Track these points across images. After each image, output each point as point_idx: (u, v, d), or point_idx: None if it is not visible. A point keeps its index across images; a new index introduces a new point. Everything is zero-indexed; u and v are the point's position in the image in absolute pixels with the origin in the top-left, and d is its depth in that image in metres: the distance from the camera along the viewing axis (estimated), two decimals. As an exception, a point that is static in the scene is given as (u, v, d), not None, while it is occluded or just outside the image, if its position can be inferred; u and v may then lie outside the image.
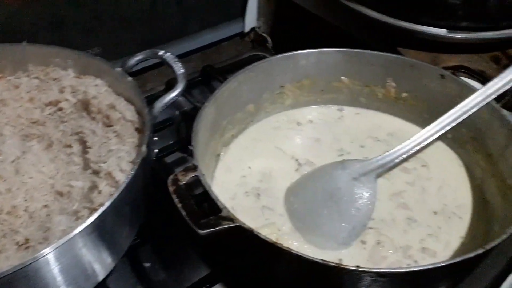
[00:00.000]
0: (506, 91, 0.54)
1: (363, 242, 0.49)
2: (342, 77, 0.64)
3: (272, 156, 0.59)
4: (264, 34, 0.95)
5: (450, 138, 0.59)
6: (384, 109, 0.65)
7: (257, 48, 0.95)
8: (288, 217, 0.51)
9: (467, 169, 0.57)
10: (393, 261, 0.47)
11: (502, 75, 0.54)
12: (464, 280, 0.49)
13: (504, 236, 0.39)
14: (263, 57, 0.85)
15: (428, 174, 0.56)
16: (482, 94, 0.53)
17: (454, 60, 0.71)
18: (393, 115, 0.65)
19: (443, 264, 0.36)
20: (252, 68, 0.58)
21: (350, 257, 0.48)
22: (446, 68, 0.65)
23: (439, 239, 0.49)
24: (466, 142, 0.57)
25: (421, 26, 0.70)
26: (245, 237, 0.40)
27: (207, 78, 0.80)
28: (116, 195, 0.42)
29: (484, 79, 0.64)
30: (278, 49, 0.99)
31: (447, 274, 0.41)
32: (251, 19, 0.94)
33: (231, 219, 0.39)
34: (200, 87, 0.79)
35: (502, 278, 0.54)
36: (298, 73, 0.63)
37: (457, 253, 0.48)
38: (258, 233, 0.39)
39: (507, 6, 0.66)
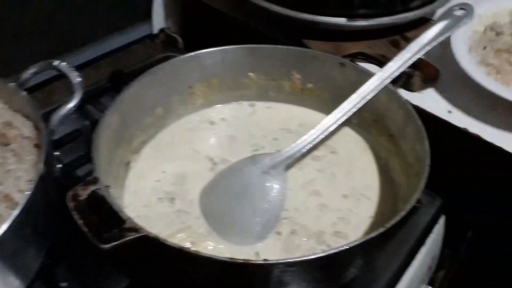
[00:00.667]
0: (402, 73, 0.57)
1: (279, 233, 0.50)
2: (249, 73, 0.65)
3: (186, 158, 0.59)
4: (174, 35, 0.94)
5: (355, 123, 0.61)
6: (293, 101, 0.66)
7: (168, 49, 0.94)
8: (204, 218, 0.51)
9: (373, 151, 0.59)
10: (307, 248, 0.48)
11: (396, 58, 0.57)
12: (375, 259, 0.51)
13: (403, 213, 0.41)
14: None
15: (337, 160, 0.58)
16: (379, 79, 0.56)
17: (356, 47, 0.74)
18: (302, 106, 0.66)
19: (344, 248, 0.37)
20: (155, 71, 0.57)
21: (267, 249, 0.48)
22: (346, 56, 0.67)
23: (350, 221, 0.51)
24: (369, 125, 0.60)
25: (322, 17, 0.72)
26: (153, 246, 0.39)
27: (116, 84, 0.78)
28: (12, 217, 0.40)
29: (383, 63, 0.67)
30: (190, 48, 0.98)
31: (353, 256, 0.43)
32: (159, 20, 0.92)
33: (136, 229, 0.39)
34: (110, 94, 0.77)
35: (415, 251, 0.57)
36: (205, 73, 0.62)
37: (367, 233, 0.50)
38: (165, 240, 0.38)
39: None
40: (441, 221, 0.62)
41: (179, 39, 0.94)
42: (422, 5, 0.74)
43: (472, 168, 0.63)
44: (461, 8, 0.59)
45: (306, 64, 0.63)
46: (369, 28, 0.72)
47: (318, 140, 0.54)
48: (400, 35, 0.76)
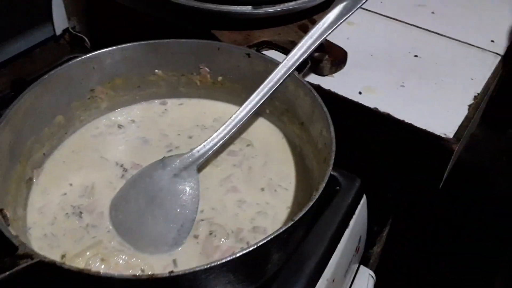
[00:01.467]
0: (310, 57, 0.57)
1: (196, 237, 0.48)
2: (156, 70, 0.62)
3: (94, 167, 0.55)
4: (79, 34, 0.88)
5: (268, 113, 0.60)
6: (206, 95, 0.64)
7: (75, 50, 0.88)
8: (115, 231, 0.48)
9: (288, 140, 0.59)
10: (226, 248, 0.47)
11: (299, 45, 0.56)
12: (299, 248, 0.51)
13: (310, 203, 0.41)
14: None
15: (254, 153, 0.57)
16: (283, 67, 0.55)
17: (265, 34, 0.73)
18: (215, 100, 0.64)
19: (253, 248, 0.36)
20: (49, 77, 0.53)
21: (185, 255, 0.47)
22: (252, 46, 0.66)
23: (268, 214, 0.50)
24: (281, 114, 0.59)
25: (227, 6, 0.70)
26: (51, 271, 0.36)
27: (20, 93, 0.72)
28: None
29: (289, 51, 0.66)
30: (99, 47, 0.94)
31: (271, 251, 0.42)
32: (61, 20, 0.86)
33: (29, 255, 0.35)
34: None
35: (340, 234, 0.58)
36: (106, 74, 0.59)
37: (285, 224, 0.49)
38: (62, 264, 0.35)
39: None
40: (363, 201, 0.62)
41: (86, 39, 0.88)
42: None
43: (385, 146, 0.65)
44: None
45: (213, 57, 0.61)
46: (276, 14, 0.71)
47: (229, 135, 0.53)
48: (308, 19, 0.76)
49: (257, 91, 0.54)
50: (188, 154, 0.51)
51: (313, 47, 0.56)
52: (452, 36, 0.77)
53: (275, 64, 0.56)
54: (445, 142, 0.59)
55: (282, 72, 0.54)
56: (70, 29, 0.88)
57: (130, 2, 0.81)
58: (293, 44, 0.71)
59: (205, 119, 0.62)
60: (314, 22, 0.74)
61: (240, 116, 0.53)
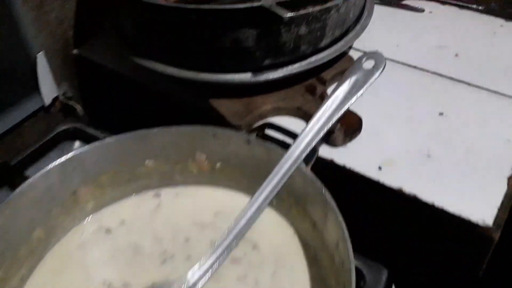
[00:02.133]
0: (314, 148, 0.49)
1: None
2: (146, 161, 0.55)
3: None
4: (70, 103, 0.82)
5: (275, 204, 0.53)
6: (204, 182, 0.57)
7: (68, 119, 0.82)
8: None
9: (299, 236, 0.51)
10: None
11: (304, 133, 0.48)
12: None
13: None
14: (77, 131, 0.75)
15: (260, 258, 0.49)
16: (287, 160, 0.47)
17: (268, 101, 0.65)
18: (215, 187, 0.57)
19: None
20: (19, 194, 0.47)
21: None
22: (254, 130, 0.58)
23: None
24: (290, 207, 0.51)
25: (223, 74, 0.63)
26: None
27: (5, 180, 0.66)
28: None
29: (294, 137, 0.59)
30: (93, 114, 0.88)
31: None
32: (49, 88, 0.80)
33: None
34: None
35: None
36: (89, 173, 0.52)
37: None
38: None
39: (300, 37, 0.61)
40: (391, 293, 0.54)
41: (78, 106, 0.82)
42: (333, 43, 0.66)
43: (412, 229, 0.56)
44: (370, 58, 0.51)
45: (209, 143, 0.54)
46: (277, 80, 0.64)
47: (230, 250, 0.45)
48: (315, 78, 0.68)
49: (255, 195, 0.47)
50: (179, 282, 0.44)
51: (320, 135, 0.48)
52: (480, 85, 0.68)
53: (278, 153, 0.49)
54: (484, 230, 0.50)
55: (286, 167, 0.47)
56: (61, 96, 0.82)
57: (125, 70, 0.75)
58: (300, 111, 0.64)
59: (204, 214, 0.54)
60: (323, 81, 0.67)
61: (238, 228, 0.46)
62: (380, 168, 0.57)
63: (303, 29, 0.60)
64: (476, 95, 0.67)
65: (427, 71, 0.71)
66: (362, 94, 0.50)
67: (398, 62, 0.74)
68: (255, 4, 0.55)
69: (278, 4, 0.54)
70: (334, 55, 0.66)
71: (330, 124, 0.48)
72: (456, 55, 0.74)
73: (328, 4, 0.55)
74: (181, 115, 0.76)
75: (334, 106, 0.49)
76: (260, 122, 0.63)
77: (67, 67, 0.82)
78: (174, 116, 0.78)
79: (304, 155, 0.47)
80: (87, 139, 0.78)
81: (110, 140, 0.52)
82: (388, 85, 0.69)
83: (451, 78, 0.70)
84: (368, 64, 0.51)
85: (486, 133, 0.61)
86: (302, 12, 0.54)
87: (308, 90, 0.66)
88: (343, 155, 0.59)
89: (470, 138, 0.60)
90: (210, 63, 0.63)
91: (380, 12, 0.75)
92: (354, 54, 0.72)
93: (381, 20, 0.78)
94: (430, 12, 0.83)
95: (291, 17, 0.54)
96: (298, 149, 0.48)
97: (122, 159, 0.54)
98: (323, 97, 0.65)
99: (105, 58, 0.78)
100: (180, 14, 0.57)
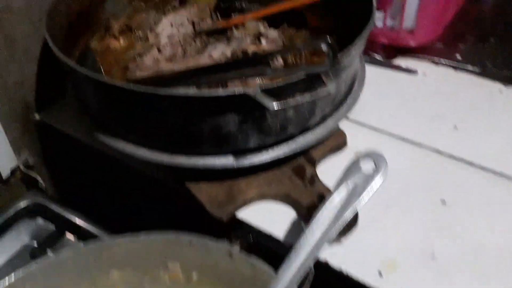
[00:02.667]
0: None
1: None
2: (111, 270, 0.47)
3: None
4: (31, 174, 0.74)
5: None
6: (179, 291, 0.49)
7: (30, 192, 0.73)
8: None
9: None
10: None
11: (294, 254, 0.41)
12: None
13: None
14: (39, 207, 0.67)
15: None
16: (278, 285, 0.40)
17: (253, 185, 0.58)
18: (192, 297, 0.49)
19: None
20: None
21: None
22: (236, 236, 0.51)
23: None
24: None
25: (203, 157, 0.56)
26: None
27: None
28: None
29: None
30: (58, 184, 0.80)
31: None
32: (6, 158, 0.72)
33: None
34: None
35: None
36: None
37: None
38: None
39: (288, 120, 0.54)
40: None
41: (39, 178, 0.74)
42: (323, 119, 0.59)
43: None
44: (369, 159, 0.45)
45: (185, 252, 0.46)
46: (263, 163, 0.57)
47: None
48: (304, 157, 0.61)
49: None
50: None
51: (316, 254, 0.41)
52: (483, 164, 0.62)
53: (265, 273, 0.42)
54: None
55: (276, 294, 0.40)
56: (21, 166, 0.74)
57: (94, 142, 0.67)
58: (289, 198, 0.57)
59: (178, 332, 0.47)
60: (312, 161, 0.61)
61: None
62: (380, 273, 0.50)
63: (290, 113, 0.53)
64: (480, 177, 0.61)
65: (425, 146, 0.65)
66: (362, 202, 0.43)
67: (391, 134, 0.68)
68: (237, 91, 0.48)
69: (264, 91, 0.48)
70: (324, 134, 0.59)
71: (327, 239, 0.41)
72: (455, 127, 0.68)
73: (320, 93, 0.48)
74: (154, 193, 0.69)
75: (331, 216, 0.43)
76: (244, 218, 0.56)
77: (28, 133, 0.74)
78: (146, 194, 0.70)
79: (297, 280, 0.40)
80: (50, 217, 0.70)
81: (66, 254, 0.44)
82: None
83: (451, 156, 0.64)
84: (366, 165, 0.45)
85: (494, 224, 0.55)
86: (291, 102, 0.47)
87: (297, 173, 0.59)
88: (339, 256, 0.52)
89: (477, 232, 0.54)
90: (186, 146, 0.56)
91: (369, 73, 0.69)
92: (344, 126, 0.65)
93: (371, 84, 0.72)
94: (424, 74, 0.78)
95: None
96: (290, 271, 0.41)
97: (82, 269, 0.46)
98: (313, 181, 0.58)
99: (68, 126, 0.70)
100: (151, 99, 0.50)
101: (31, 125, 0.73)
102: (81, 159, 0.74)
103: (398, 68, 0.79)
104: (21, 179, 0.75)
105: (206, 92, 0.50)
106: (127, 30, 0.72)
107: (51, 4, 0.61)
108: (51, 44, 0.54)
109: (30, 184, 0.75)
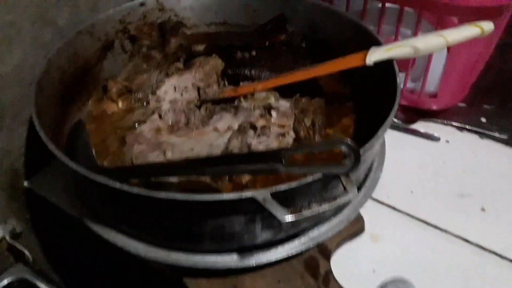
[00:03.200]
0: None
1: None
2: None
3: None
4: (17, 246, 0.68)
5: None
6: None
7: (16, 266, 0.67)
8: None
9: None
10: None
11: None
12: None
13: None
14: (23, 283, 0.62)
15: None
16: None
17: (259, 284, 0.52)
18: None
19: None
20: None
21: None
22: None
23: None
24: None
25: (203, 255, 0.50)
26: None
27: None
28: None
29: None
30: (47, 252, 0.74)
31: None
32: (-8, 228, 0.66)
33: None
34: None
35: None
36: None
37: None
38: None
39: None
40: None
41: (26, 251, 0.68)
42: (337, 210, 0.53)
43: None
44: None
45: None
46: (270, 262, 0.51)
47: None
48: (317, 248, 0.55)
49: None
50: None
51: None
52: (516, 259, 0.56)
53: None
54: None
55: None
56: (7, 237, 0.68)
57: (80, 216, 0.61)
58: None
59: None
60: (326, 253, 0.54)
61: None
62: None
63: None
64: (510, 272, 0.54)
65: (451, 233, 0.59)
66: None
67: (413, 217, 0.61)
68: (244, 195, 0.42)
69: (275, 196, 0.42)
70: (342, 226, 0.53)
71: None
72: (483, 209, 0.62)
73: (340, 202, 0.42)
74: (147, 280, 0.63)
75: None
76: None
77: (15, 200, 0.68)
78: (139, 279, 0.64)
79: None
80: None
81: None
82: (404, 255, 0.57)
83: (479, 247, 0.57)
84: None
85: None
86: (306, 214, 0.41)
87: (309, 268, 0.53)
88: None
89: None
90: (184, 242, 0.50)
91: (388, 139, 0.63)
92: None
93: (390, 152, 0.66)
94: (447, 141, 0.72)
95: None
96: None
97: None
98: (327, 281, 0.52)
99: (58, 197, 0.64)
100: (148, 201, 0.44)
101: (19, 192, 0.68)
102: (71, 230, 0.68)
103: (419, 133, 0.73)
104: (7, 249, 0.69)
105: (208, 196, 0.44)
106: (126, 91, 0.66)
107: (41, 71, 0.55)
108: (38, 128, 0.48)
109: (17, 255, 0.69)
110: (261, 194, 0.42)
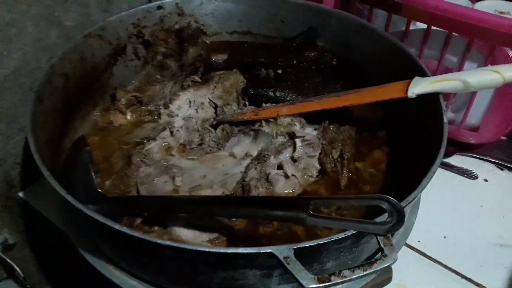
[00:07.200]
0: None
1: None
2: None
3: None
4: (8, 260, 0.62)
5: None
6: None
7: (10, 277, 0.62)
8: None
9: None
10: None
11: None
12: None
13: None
14: None
15: None
16: None
17: None
18: None
19: None
20: None
21: None
22: None
23: None
24: None
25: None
26: None
27: None
28: None
29: None
30: (40, 268, 0.68)
31: None
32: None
33: None
34: None
35: None
36: None
37: None
38: None
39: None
40: None
41: (16, 268, 0.63)
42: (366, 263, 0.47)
43: None
44: None
45: None
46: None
47: None
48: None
49: None
50: None
51: None
52: None
53: None
54: None
55: None
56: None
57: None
58: None
59: None
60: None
61: None
62: None
63: (330, 264, 0.41)
64: None
65: (488, 291, 0.52)
66: None
67: (446, 266, 0.55)
68: (263, 250, 0.36)
69: (298, 253, 0.35)
70: (369, 279, 0.47)
71: None
72: (524, 263, 0.55)
73: (377, 267, 0.36)
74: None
75: None
76: None
77: (8, 210, 0.62)
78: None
79: None
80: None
81: None
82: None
83: (522, 310, 0.51)
84: None
85: None
86: (334, 280, 0.35)
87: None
88: None
89: None
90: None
91: None
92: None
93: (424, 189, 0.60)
94: (485, 180, 0.65)
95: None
96: None
97: None
98: None
99: (52, 212, 0.59)
100: (153, 247, 0.38)
101: (13, 202, 0.62)
102: (66, 245, 0.62)
103: (456, 169, 0.66)
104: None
105: (221, 248, 0.38)
106: (137, 103, 0.60)
107: (41, 81, 0.49)
108: (32, 146, 0.42)
109: (8, 268, 0.64)
110: (283, 251, 0.36)
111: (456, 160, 0.67)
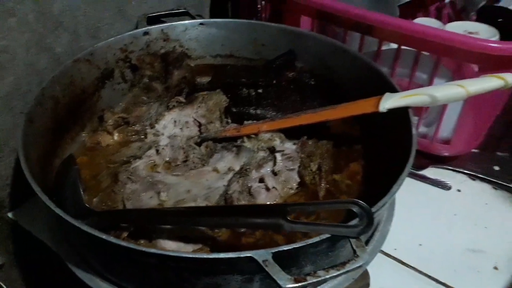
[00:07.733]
0: None
1: None
2: None
3: None
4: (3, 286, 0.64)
5: None
6: None
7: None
8: None
9: None
10: None
11: None
12: None
13: None
14: None
15: None
16: None
17: None
18: None
19: None
20: None
21: None
22: None
23: None
24: None
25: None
26: None
27: None
28: None
29: None
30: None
31: None
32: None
33: None
34: None
35: None
36: None
37: None
38: None
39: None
40: None
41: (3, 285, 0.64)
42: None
43: None
44: None
45: None
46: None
47: None
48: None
49: None
50: None
51: None
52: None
53: None
54: None
55: None
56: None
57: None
58: None
59: None
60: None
61: None
62: None
63: (307, 269, 0.43)
64: None
65: (462, 295, 0.55)
66: None
67: (422, 273, 0.57)
68: (243, 254, 0.38)
69: (276, 257, 0.38)
70: (346, 284, 0.49)
71: None
72: (495, 267, 0.58)
73: (349, 267, 0.38)
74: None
75: None
76: None
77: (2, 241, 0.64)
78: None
79: None
80: None
81: None
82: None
83: (494, 312, 0.53)
84: None
85: None
86: (309, 279, 0.37)
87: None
88: None
89: None
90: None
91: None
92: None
93: (399, 199, 0.62)
94: (458, 190, 0.68)
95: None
96: None
97: None
98: None
99: (42, 232, 0.60)
100: (137, 255, 0.40)
101: (2, 222, 0.64)
102: (57, 266, 0.64)
103: (430, 180, 0.69)
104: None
105: (204, 254, 0.40)
106: (124, 123, 0.62)
107: (32, 103, 0.52)
108: (23, 165, 0.45)
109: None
110: (262, 255, 0.38)
111: (430, 172, 0.70)
